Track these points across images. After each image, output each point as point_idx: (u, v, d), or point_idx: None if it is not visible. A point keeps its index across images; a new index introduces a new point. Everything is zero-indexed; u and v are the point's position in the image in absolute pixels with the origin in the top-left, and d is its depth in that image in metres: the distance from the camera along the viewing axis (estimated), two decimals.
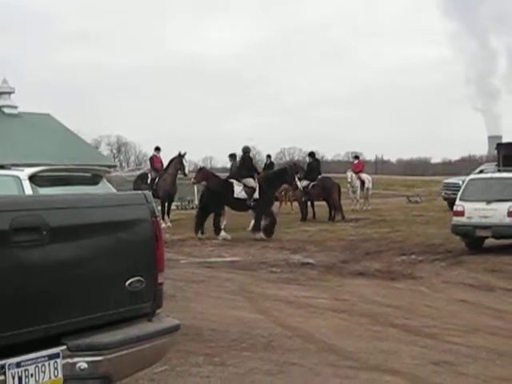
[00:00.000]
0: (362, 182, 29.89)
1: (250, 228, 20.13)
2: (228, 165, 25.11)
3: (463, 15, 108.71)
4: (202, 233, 19.88)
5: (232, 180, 20.12)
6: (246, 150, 20.96)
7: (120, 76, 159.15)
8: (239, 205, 19.93)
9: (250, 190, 19.66)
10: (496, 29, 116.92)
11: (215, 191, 19.85)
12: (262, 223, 19.61)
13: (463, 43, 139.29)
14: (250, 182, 19.83)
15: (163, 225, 20.43)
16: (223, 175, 24.98)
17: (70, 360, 4.18)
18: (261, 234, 19.34)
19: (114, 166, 48.99)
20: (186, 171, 24.92)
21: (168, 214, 24.29)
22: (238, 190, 19.62)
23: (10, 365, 3.89)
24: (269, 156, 30.31)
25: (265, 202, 19.89)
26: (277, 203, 30.44)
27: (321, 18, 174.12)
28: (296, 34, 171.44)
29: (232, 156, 23.89)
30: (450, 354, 7.44)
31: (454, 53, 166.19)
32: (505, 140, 38.58)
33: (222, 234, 19.61)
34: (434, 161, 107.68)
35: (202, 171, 24.10)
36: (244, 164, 20.55)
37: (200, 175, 24.11)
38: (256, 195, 19.62)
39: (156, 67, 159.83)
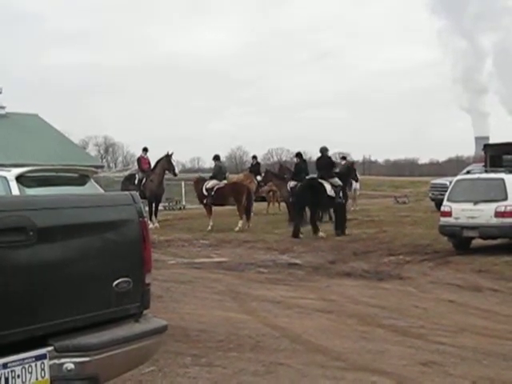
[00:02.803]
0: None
1: (335, 228, 20.19)
2: None
3: (450, 12, 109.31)
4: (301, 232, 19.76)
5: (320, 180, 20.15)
6: (326, 150, 21.04)
7: (108, 76, 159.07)
8: (329, 202, 20.06)
9: (337, 189, 19.95)
10: (483, 26, 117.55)
11: (314, 188, 19.87)
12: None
13: (450, 41, 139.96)
14: (337, 180, 20.17)
15: (151, 225, 20.40)
16: (207, 175, 25.16)
17: (56, 361, 4.16)
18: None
19: (102, 167, 48.89)
20: (176, 171, 24.91)
21: (155, 214, 24.25)
22: (329, 189, 19.78)
23: None
24: (255, 157, 30.26)
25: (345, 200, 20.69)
26: (265, 203, 30.51)
27: (309, 20, 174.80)
28: (284, 35, 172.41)
29: (216, 158, 23.89)
30: (437, 354, 7.45)
31: (442, 52, 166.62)
32: (492, 141, 38.82)
33: (321, 233, 19.68)
34: (421, 161, 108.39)
35: (195, 181, 24.48)
36: (327, 163, 20.64)
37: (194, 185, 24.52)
38: (340, 194, 20.05)
39: (144, 68, 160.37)
